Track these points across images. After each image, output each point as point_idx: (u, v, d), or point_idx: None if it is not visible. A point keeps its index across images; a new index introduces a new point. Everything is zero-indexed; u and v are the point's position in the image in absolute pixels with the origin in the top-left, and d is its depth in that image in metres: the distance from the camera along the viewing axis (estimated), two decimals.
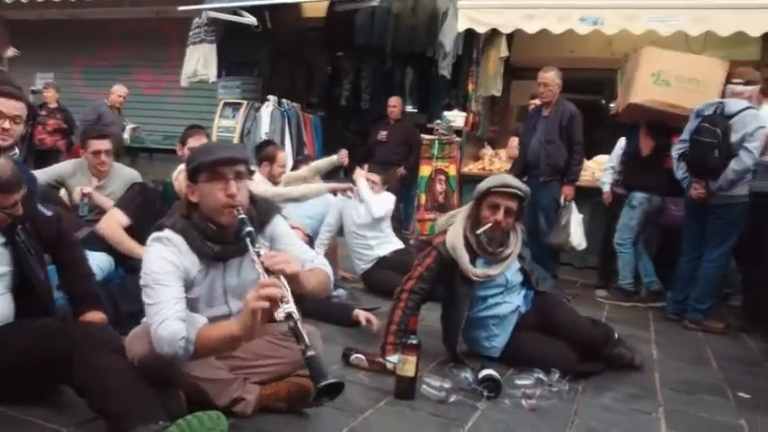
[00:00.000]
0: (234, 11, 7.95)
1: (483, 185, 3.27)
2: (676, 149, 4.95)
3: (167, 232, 2.26)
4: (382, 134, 7.76)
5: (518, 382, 2.88)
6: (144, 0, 9.68)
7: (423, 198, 7.38)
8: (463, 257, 3.22)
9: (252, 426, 2.28)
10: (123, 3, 9.75)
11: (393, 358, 3.01)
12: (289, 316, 1.98)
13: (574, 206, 5.59)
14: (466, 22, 7.21)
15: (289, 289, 2.04)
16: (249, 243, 2.18)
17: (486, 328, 3.38)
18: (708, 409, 3.03)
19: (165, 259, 2.21)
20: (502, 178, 3.35)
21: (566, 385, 2.94)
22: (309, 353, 1.97)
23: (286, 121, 7.98)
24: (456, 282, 3.27)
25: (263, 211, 2.44)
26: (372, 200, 4.98)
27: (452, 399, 2.71)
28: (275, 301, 1.98)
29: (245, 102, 8.25)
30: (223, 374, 2.31)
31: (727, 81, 4.85)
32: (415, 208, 7.55)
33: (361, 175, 5.10)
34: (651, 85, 5.50)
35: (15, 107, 2.88)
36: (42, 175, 4.23)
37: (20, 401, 2.26)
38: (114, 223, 3.56)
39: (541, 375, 2.92)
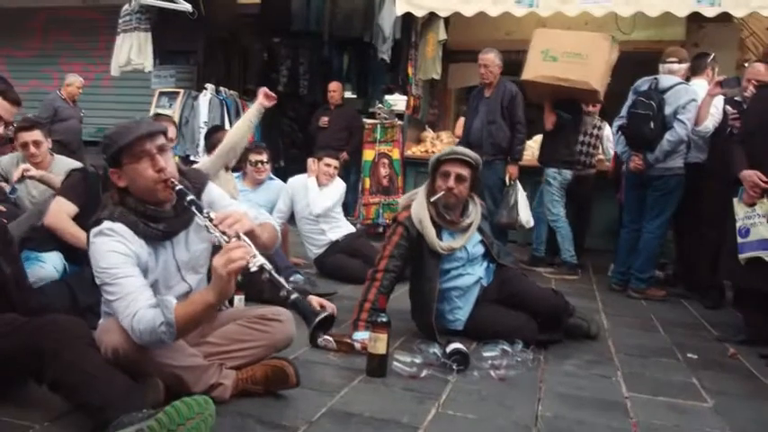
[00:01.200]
0: None
1: (434, 157, 3.45)
2: (615, 125, 5.17)
3: (107, 224, 2.18)
4: (323, 120, 7.72)
5: (485, 354, 2.94)
6: None
7: (367, 182, 7.40)
8: (429, 230, 3.32)
9: (232, 410, 2.26)
10: None
11: (361, 335, 3.05)
12: (262, 268, 2.01)
13: (519, 185, 5.72)
14: (404, 5, 7.23)
15: (252, 244, 2.06)
16: (197, 211, 2.17)
17: (450, 301, 3.45)
18: (662, 371, 3.18)
19: (115, 251, 2.14)
20: (451, 148, 3.52)
21: (530, 354, 3.04)
22: (293, 296, 2.01)
23: (225, 109, 7.85)
24: (424, 255, 3.35)
25: (194, 179, 2.40)
26: (316, 199, 5.06)
27: (424, 373, 2.76)
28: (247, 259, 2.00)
29: (182, 91, 8.06)
30: (199, 361, 2.28)
31: (663, 60, 5.05)
32: (359, 192, 7.57)
33: (313, 172, 5.10)
34: (540, 62, 5.81)
35: None
36: None
37: None
38: (61, 213, 3.43)
39: (506, 346, 2.99)
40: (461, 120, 7.06)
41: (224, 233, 2.07)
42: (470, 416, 2.42)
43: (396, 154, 7.36)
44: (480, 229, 3.51)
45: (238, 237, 2.06)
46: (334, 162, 5.22)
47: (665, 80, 4.92)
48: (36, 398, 2.20)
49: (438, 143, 7.71)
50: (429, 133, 7.98)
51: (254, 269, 2.00)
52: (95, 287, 2.23)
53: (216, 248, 2.13)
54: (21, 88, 8.98)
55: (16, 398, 2.23)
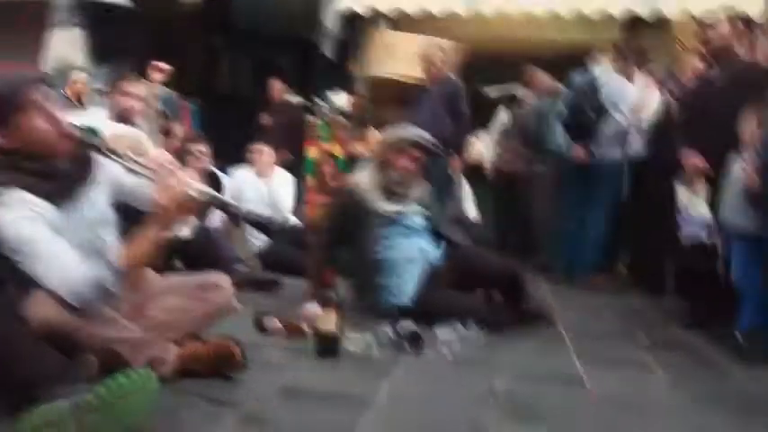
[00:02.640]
0: None
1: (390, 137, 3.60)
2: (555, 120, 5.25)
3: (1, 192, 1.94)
4: (266, 119, 7.57)
5: (438, 334, 2.88)
6: None
7: (310, 180, 7.27)
8: (373, 195, 3.39)
9: (176, 388, 2.11)
10: None
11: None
12: (201, 193, 1.96)
13: (464, 180, 5.71)
14: (348, 2, 7.21)
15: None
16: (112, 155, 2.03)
17: (394, 273, 3.39)
18: (616, 351, 3.17)
19: (21, 218, 1.89)
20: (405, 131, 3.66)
21: (483, 336, 2.98)
22: (243, 210, 2.03)
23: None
24: (362, 221, 3.40)
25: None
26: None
27: (375, 353, 2.67)
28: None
29: None
30: (136, 333, 2.13)
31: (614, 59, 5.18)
32: (303, 191, 7.41)
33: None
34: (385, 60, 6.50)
35: None
36: None
37: None
38: None
39: (458, 327, 2.93)
40: None
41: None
42: (425, 391, 2.35)
43: (340, 151, 7.25)
44: (424, 204, 3.55)
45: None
46: (270, 151, 5.13)
47: (598, 72, 5.04)
48: None
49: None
50: (373, 132, 7.91)
51: (194, 194, 1.92)
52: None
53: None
54: None
55: None
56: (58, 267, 1.88)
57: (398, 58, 6.32)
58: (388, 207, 3.40)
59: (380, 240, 3.37)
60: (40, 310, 1.95)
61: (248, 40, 8.57)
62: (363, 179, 3.46)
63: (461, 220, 5.70)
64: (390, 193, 3.43)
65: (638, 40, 7.62)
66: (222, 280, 2.38)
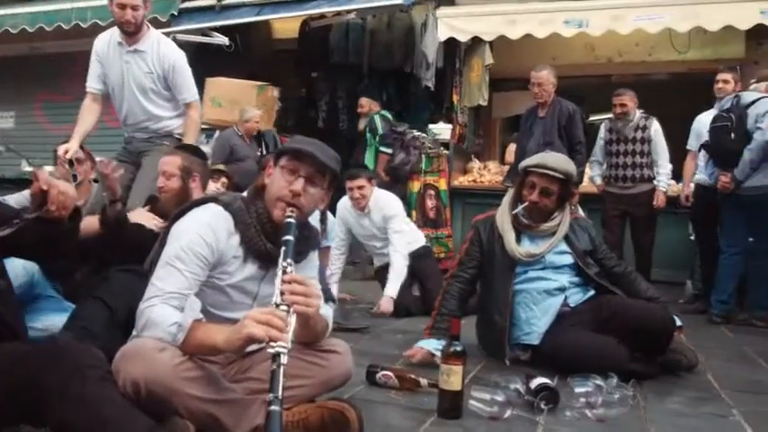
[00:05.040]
0: (203, 32, 7.59)
1: (523, 163, 3.25)
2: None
3: (216, 208, 2.01)
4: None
5: (576, 389, 2.47)
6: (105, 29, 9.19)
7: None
8: (509, 234, 3.13)
9: None
10: (87, 33, 9.27)
11: (425, 343, 3.01)
12: (276, 357, 1.63)
13: (581, 210, 5.28)
14: (447, 31, 7.03)
15: (292, 326, 1.71)
16: (282, 252, 1.85)
17: (525, 308, 3.12)
18: None
19: (198, 243, 1.92)
20: (541, 157, 3.26)
21: (629, 390, 2.55)
22: (273, 407, 1.59)
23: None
24: (497, 259, 3.16)
25: (309, 235, 2.14)
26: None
27: (507, 414, 2.30)
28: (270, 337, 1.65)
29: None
30: (238, 396, 1.88)
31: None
32: None
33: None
34: (210, 107, 7.10)
35: None
36: None
37: None
38: None
39: (599, 381, 2.52)
40: (512, 146, 6.67)
41: (282, 294, 1.75)
42: None
43: (442, 184, 6.97)
44: (569, 240, 3.19)
45: (288, 310, 1.73)
46: (358, 182, 4.69)
47: (747, 96, 4.69)
48: None
49: (486, 173, 7.34)
50: (475, 163, 7.60)
51: (268, 350, 1.65)
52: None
53: None
54: (57, 131, 8.99)
55: None
56: (157, 291, 1.85)
57: (221, 105, 7.20)
58: (521, 249, 3.12)
59: (510, 274, 3.12)
60: (131, 365, 1.73)
61: (345, 75, 8.45)
62: (502, 214, 3.22)
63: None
64: (521, 224, 3.16)
65: (762, 60, 7.10)
66: (340, 345, 2.13)
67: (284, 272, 1.80)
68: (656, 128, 5.38)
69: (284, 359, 1.64)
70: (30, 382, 1.58)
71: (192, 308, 1.87)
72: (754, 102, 4.55)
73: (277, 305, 1.74)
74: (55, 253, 1.98)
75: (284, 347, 1.65)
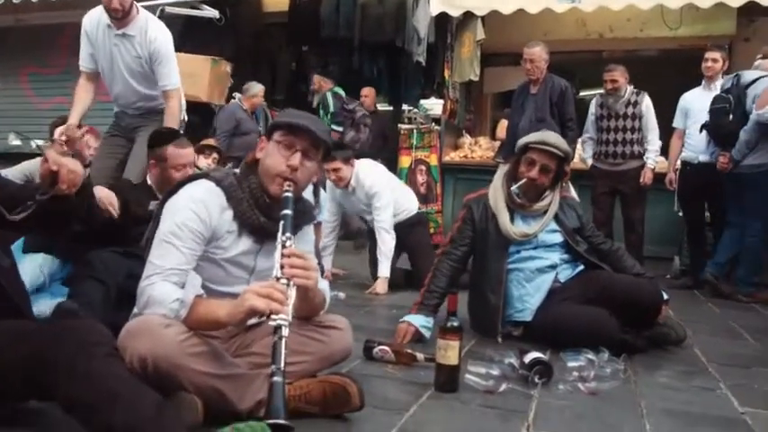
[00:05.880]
0: (192, 5, 7.52)
1: (522, 140, 3.24)
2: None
3: (208, 184, 2.01)
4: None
5: (569, 364, 2.53)
6: (94, 1, 9.04)
7: None
8: (503, 213, 3.14)
9: None
10: (73, 5, 9.11)
11: (411, 317, 3.03)
12: (278, 329, 1.69)
13: (572, 187, 5.32)
14: (439, 5, 6.97)
15: (293, 299, 1.76)
16: (281, 226, 1.88)
17: (518, 285, 3.16)
18: None
19: (191, 219, 1.93)
20: (542, 134, 3.26)
21: (621, 365, 2.61)
22: (276, 378, 1.66)
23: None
24: (490, 237, 3.18)
25: (304, 209, 2.13)
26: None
27: (502, 387, 2.35)
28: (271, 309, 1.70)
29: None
30: (242, 370, 1.92)
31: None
32: None
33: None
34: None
35: None
36: None
37: None
38: None
39: (591, 355, 2.58)
40: (503, 121, 6.69)
41: (282, 267, 1.79)
42: None
43: (433, 160, 7.00)
44: (558, 219, 3.22)
45: (288, 283, 1.77)
46: (333, 165, 4.55)
47: (747, 75, 4.75)
48: (45, 422, 1.81)
49: (477, 149, 7.36)
50: (467, 139, 7.62)
51: (269, 323, 1.71)
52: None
53: None
54: (44, 105, 8.91)
55: (17, 423, 1.82)
56: (157, 269, 1.87)
57: None
58: (515, 229, 3.14)
59: (504, 253, 3.15)
60: (138, 341, 1.76)
61: (336, 49, 8.40)
62: (495, 191, 3.23)
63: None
64: (514, 204, 3.17)
65: (754, 37, 7.12)
66: (341, 321, 2.16)
67: (284, 245, 1.84)
68: (647, 103, 5.42)
69: (285, 331, 1.70)
70: (37, 359, 1.60)
71: (192, 284, 1.90)
72: (753, 81, 4.60)
73: (277, 278, 1.78)
74: (66, 227, 2.01)
75: (285, 320, 1.70)
